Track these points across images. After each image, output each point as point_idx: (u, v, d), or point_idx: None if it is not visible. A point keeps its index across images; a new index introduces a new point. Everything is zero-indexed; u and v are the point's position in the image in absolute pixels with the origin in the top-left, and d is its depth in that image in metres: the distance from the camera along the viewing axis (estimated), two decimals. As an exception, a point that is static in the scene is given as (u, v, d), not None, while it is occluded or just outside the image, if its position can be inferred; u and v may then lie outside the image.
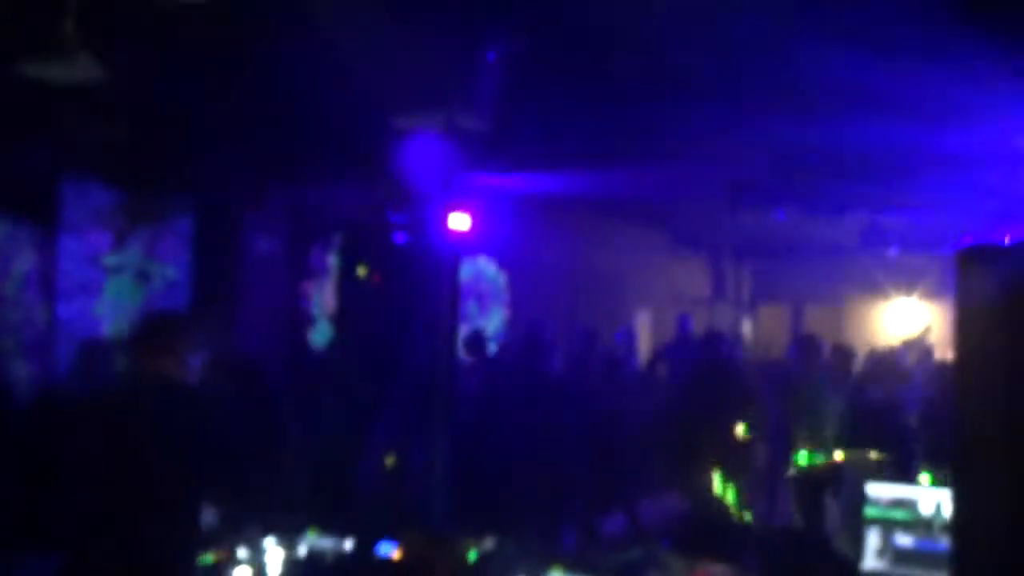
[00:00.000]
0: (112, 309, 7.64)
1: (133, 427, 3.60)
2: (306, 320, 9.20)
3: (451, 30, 4.91)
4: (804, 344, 8.57)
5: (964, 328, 2.25)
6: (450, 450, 6.56)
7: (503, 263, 11.74)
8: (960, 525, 2.28)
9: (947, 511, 3.56)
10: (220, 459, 3.74)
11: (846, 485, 7.37)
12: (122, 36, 5.05)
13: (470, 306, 11.32)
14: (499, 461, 7.60)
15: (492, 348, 8.67)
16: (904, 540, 3.63)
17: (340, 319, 7.12)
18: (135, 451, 3.56)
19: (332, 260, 9.11)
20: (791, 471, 7.98)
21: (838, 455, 7.43)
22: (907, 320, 14.93)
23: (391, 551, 3.78)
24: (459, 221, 6.16)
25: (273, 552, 3.74)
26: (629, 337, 10.17)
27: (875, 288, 15.07)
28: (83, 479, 3.61)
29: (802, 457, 7.81)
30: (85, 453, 3.61)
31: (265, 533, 4.09)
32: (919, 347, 12.55)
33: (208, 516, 4.90)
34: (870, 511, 3.69)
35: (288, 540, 3.86)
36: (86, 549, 3.55)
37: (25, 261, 7.19)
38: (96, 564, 3.54)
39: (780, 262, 16.49)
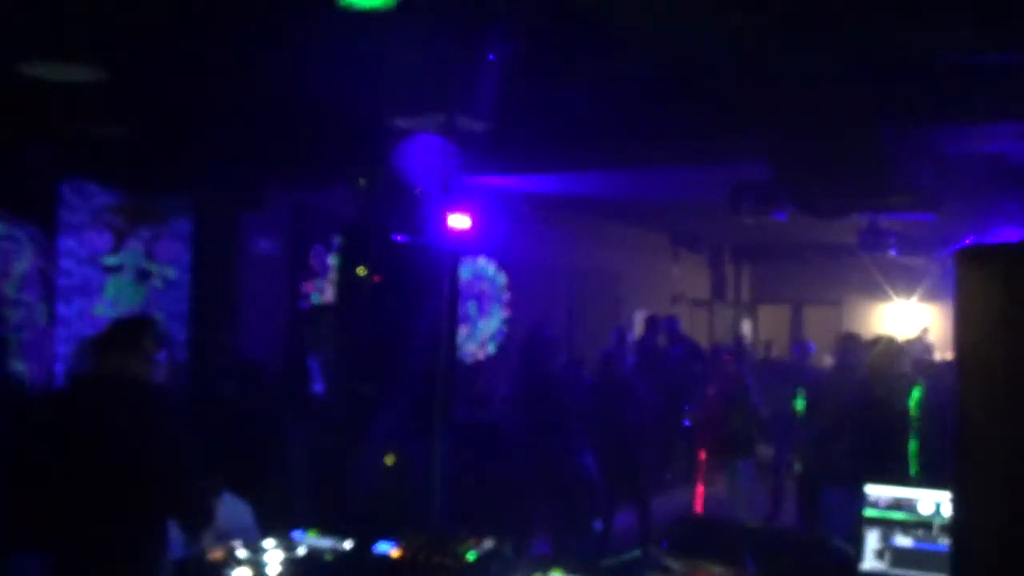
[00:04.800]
0: (112, 309, 7.64)
1: (94, 426, 3.65)
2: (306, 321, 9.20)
3: (451, 30, 4.91)
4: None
5: (964, 328, 2.26)
6: (450, 450, 6.57)
7: (503, 263, 11.75)
8: (959, 526, 2.28)
9: (946, 512, 3.56)
10: (184, 458, 3.76)
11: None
12: (122, 36, 5.05)
13: (470, 306, 11.32)
14: (500, 460, 7.62)
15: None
16: (903, 541, 3.63)
17: (340, 319, 7.11)
18: (96, 449, 3.60)
19: (332, 260, 9.11)
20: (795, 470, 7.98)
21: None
22: (906, 321, 14.94)
23: (390, 551, 3.78)
24: (459, 221, 6.17)
25: (272, 552, 3.74)
26: (621, 337, 10.18)
27: (875, 288, 15.09)
28: (51, 478, 3.66)
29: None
30: (51, 453, 3.66)
31: (264, 533, 4.10)
32: (918, 347, 12.56)
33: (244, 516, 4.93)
34: (869, 512, 3.70)
35: (287, 540, 3.87)
36: (60, 549, 3.61)
37: (25, 261, 7.19)
38: (70, 564, 3.60)
39: (780, 262, 16.52)
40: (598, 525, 8.20)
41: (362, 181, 6.75)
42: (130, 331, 3.92)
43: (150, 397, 3.79)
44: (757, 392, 8.83)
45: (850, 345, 8.03)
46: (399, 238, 6.55)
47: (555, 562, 3.68)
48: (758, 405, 8.80)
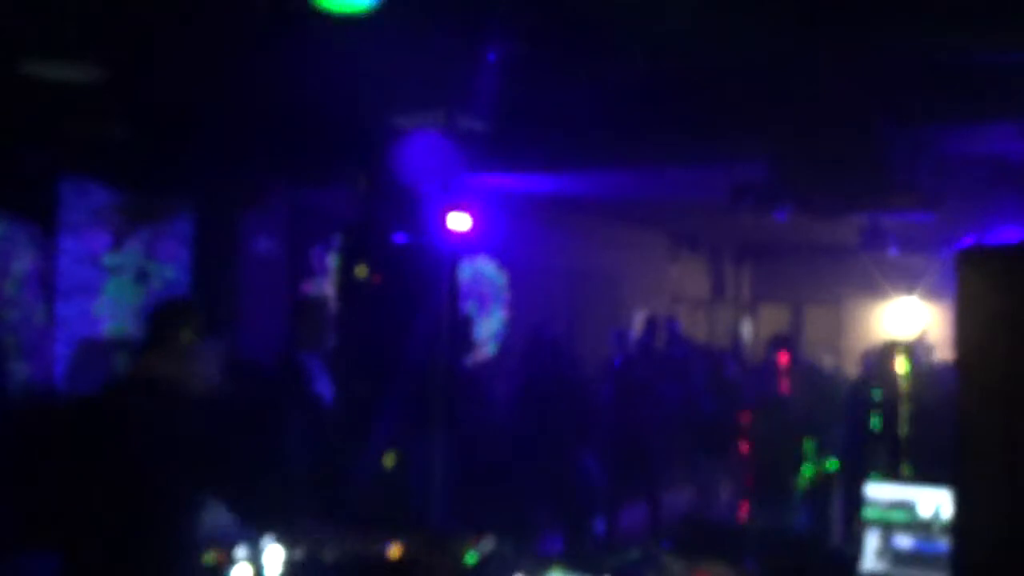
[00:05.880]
0: (111, 309, 7.64)
1: (113, 429, 3.49)
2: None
3: (451, 30, 4.91)
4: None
5: (964, 328, 2.25)
6: (450, 450, 6.57)
7: (503, 263, 11.75)
8: (960, 526, 2.28)
9: (946, 512, 3.56)
10: (208, 461, 3.63)
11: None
12: (122, 36, 5.05)
13: (470, 306, 11.32)
14: (500, 461, 7.62)
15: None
16: (903, 541, 3.63)
17: (340, 319, 7.12)
18: (115, 453, 3.45)
19: (332, 260, 9.11)
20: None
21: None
22: (906, 321, 14.94)
23: (390, 551, 3.78)
24: (459, 221, 6.17)
25: (273, 552, 3.73)
26: (622, 338, 10.18)
27: (875, 288, 15.08)
28: (68, 480, 3.51)
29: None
30: (71, 454, 3.51)
31: (264, 533, 4.09)
32: (917, 348, 12.55)
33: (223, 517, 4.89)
34: (869, 512, 3.69)
35: (288, 540, 3.86)
36: (77, 550, 3.49)
37: (25, 261, 7.19)
38: (86, 565, 3.49)
39: (780, 262, 16.53)
40: (599, 525, 8.21)
41: (363, 180, 6.75)
42: (162, 325, 3.62)
43: (172, 403, 3.53)
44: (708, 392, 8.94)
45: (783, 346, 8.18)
46: (399, 238, 6.55)
47: (555, 561, 3.68)
48: (710, 406, 8.90)
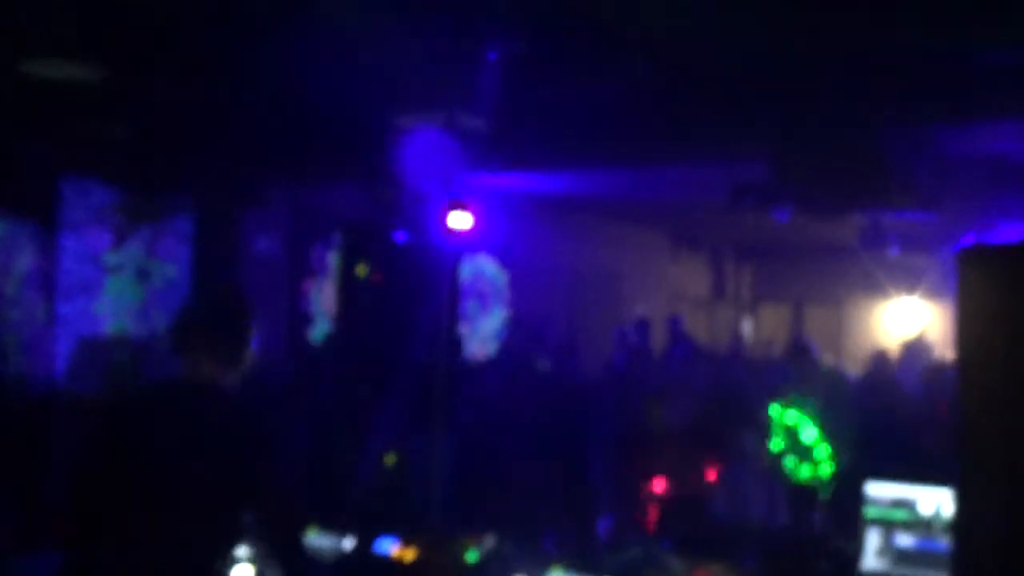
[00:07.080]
0: (112, 308, 7.64)
1: (147, 432, 3.17)
2: (306, 319, 9.20)
3: (451, 29, 4.92)
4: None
5: (964, 328, 2.26)
6: (450, 450, 6.57)
7: (504, 262, 11.75)
8: (961, 525, 2.28)
9: (947, 511, 3.57)
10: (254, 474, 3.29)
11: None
12: (122, 36, 5.05)
13: (470, 305, 11.31)
14: (499, 461, 7.63)
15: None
16: (904, 540, 3.63)
17: (340, 318, 7.12)
18: (148, 457, 3.13)
19: (332, 260, 9.11)
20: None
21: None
22: (907, 320, 14.95)
23: (390, 550, 3.78)
24: (460, 220, 6.17)
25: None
26: (624, 338, 10.17)
27: (875, 288, 15.09)
28: (90, 479, 3.22)
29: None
30: (97, 453, 3.25)
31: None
32: (917, 347, 12.56)
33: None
34: (870, 511, 3.70)
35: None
36: (87, 550, 3.31)
37: (26, 260, 7.19)
38: (102, 565, 3.26)
39: (780, 262, 16.54)
40: (601, 525, 8.20)
41: (363, 179, 6.74)
42: (204, 327, 3.21)
43: (220, 407, 3.22)
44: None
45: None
46: (399, 238, 6.55)
47: (555, 560, 3.68)
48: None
